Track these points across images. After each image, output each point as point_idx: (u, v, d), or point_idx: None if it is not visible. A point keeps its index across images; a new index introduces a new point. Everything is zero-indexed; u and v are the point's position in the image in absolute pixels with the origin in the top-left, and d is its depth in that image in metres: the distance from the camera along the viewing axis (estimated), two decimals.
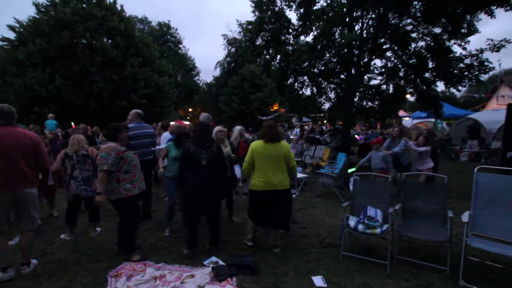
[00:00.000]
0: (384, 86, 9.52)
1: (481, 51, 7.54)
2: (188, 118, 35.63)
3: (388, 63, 9.17)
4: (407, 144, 5.42)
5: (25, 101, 13.30)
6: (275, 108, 22.84)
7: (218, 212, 3.42)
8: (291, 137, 14.27)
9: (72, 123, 11.24)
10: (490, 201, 2.79)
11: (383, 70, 9.29)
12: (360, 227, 2.96)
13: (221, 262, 3.03)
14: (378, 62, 9.60)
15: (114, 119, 9.33)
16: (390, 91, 9.42)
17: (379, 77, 9.52)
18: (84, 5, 15.32)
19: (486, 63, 7.59)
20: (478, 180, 2.87)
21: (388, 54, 9.02)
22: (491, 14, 7.12)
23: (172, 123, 7.64)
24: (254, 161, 3.16)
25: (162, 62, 19.72)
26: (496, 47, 7.29)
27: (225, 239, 3.64)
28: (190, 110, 36.01)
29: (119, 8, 16.82)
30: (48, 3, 15.15)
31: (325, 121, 23.25)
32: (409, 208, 3.20)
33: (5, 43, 15.02)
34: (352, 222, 3.07)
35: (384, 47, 8.86)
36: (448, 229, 2.85)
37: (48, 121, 9.47)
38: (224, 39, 32.01)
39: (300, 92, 10.05)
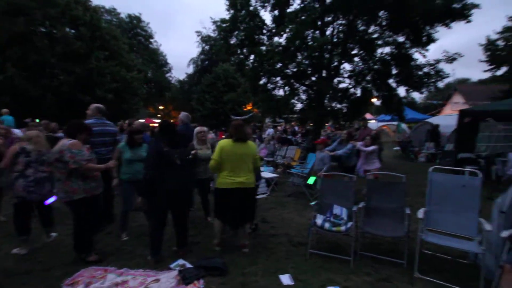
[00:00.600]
0: (352, 89, 9.99)
1: (438, 61, 8.27)
2: (158, 116, 34.36)
3: (356, 67, 9.63)
4: (353, 148, 5.43)
5: None
6: (249, 108, 22.90)
7: (187, 213, 3.35)
8: (264, 136, 14.39)
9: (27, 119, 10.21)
10: (442, 198, 3.03)
11: (351, 74, 9.73)
12: (326, 225, 3.05)
13: (188, 265, 2.94)
14: (347, 66, 10.08)
15: (76, 115, 8.69)
16: (358, 94, 9.91)
17: (348, 81, 9.98)
18: None
19: (441, 73, 8.32)
20: (432, 180, 3.11)
21: (356, 59, 9.48)
22: (447, 26, 7.81)
23: (141, 121, 7.29)
24: (222, 159, 3.14)
25: (131, 56, 18.83)
26: (450, 59, 8.04)
27: (195, 241, 3.55)
28: (161, 107, 34.73)
29: None
30: None
31: (293, 123, 23.79)
32: (371, 206, 3.36)
33: None
34: (319, 220, 3.16)
35: (352, 52, 9.30)
36: (406, 225, 3.05)
37: (4, 117, 8.50)
38: (198, 36, 31.47)
39: (273, 92, 10.18)
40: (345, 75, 9.93)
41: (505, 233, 2.36)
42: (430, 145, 11.21)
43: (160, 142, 3.07)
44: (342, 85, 9.94)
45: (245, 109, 23.40)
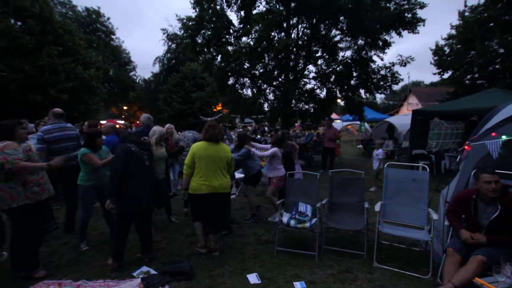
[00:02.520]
0: (318, 90, 10.39)
1: (393, 64, 8.94)
2: (123, 116, 32.57)
3: (321, 69, 10.02)
4: (249, 152, 4.43)
5: None
6: (218, 108, 22.67)
7: (151, 218, 3.23)
8: (233, 137, 14.36)
9: None
10: (396, 192, 3.28)
11: (316, 75, 10.11)
12: (292, 222, 3.13)
13: (153, 271, 2.83)
14: (312, 68, 10.46)
15: (26, 116, 7.88)
16: (323, 95, 10.32)
17: (313, 82, 10.35)
18: None
19: (396, 75, 8.99)
20: (388, 175, 3.35)
21: (320, 61, 9.87)
22: (399, 34, 8.49)
23: (103, 122, 6.83)
24: (195, 163, 3.03)
25: (89, 52, 17.58)
26: (404, 62, 8.75)
27: (159, 246, 3.42)
28: (124, 108, 32.95)
29: None
30: None
31: (266, 123, 24.11)
32: (334, 202, 3.53)
33: None
34: (285, 218, 3.23)
35: (317, 54, 9.66)
36: (365, 219, 3.24)
37: None
38: (164, 33, 30.41)
39: (241, 92, 10.20)
40: (311, 77, 10.30)
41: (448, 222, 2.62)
42: (389, 142, 12.04)
43: (126, 143, 2.93)
44: (308, 86, 10.27)
45: (214, 110, 23.10)
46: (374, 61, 9.25)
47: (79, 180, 3.30)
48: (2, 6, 12.43)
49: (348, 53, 9.51)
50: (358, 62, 9.05)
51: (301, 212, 3.19)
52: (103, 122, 13.29)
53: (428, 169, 3.26)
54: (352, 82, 9.44)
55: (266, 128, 19.65)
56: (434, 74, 14.79)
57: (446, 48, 13.90)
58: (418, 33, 8.43)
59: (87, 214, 3.35)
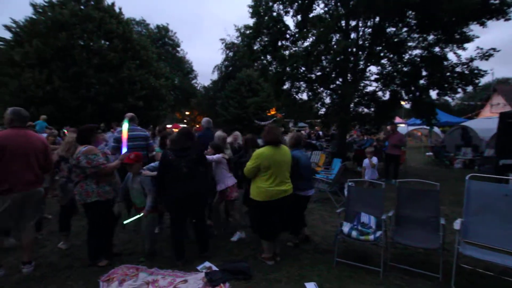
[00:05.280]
0: (380, 93, 9.65)
1: (471, 59, 7.72)
2: (185, 121, 35.55)
3: (384, 70, 9.30)
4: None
5: (20, 102, 13.18)
6: (272, 112, 22.94)
7: (204, 219, 3.45)
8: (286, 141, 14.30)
9: (65, 128, 11.07)
10: (481, 208, 2.82)
11: (378, 76, 9.42)
12: (354, 233, 2.97)
13: (214, 267, 3.01)
14: (374, 69, 9.78)
15: (110, 122, 9.25)
16: (386, 98, 9.55)
17: (375, 84, 9.66)
18: (82, 7, 15.33)
19: (476, 71, 7.75)
20: (470, 188, 2.90)
21: (384, 61, 9.16)
22: (483, 25, 7.28)
23: (168, 126, 7.64)
24: (259, 169, 2.95)
25: (160, 64, 19.76)
26: (485, 56, 7.47)
27: (219, 245, 3.61)
28: (187, 113, 35.95)
29: (117, 10, 16.87)
30: (45, 4, 15.12)
31: (317, 127, 23.39)
32: (402, 214, 3.21)
33: (1, 43, 14.92)
34: (346, 228, 3.08)
35: (380, 54, 9.00)
36: (440, 236, 2.87)
37: (38, 122, 9.29)
38: (222, 43, 32.24)
39: (296, 97, 10.13)
40: (372, 78, 9.65)
41: None
42: (467, 150, 10.47)
43: (167, 151, 3.16)
44: (369, 89, 9.65)
45: (268, 114, 23.46)
46: (448, 59, 8.15)
47: None
48: (97, 31, 14.92)
49: (417, 51, 8.61)
50: (429, 60, 8.10)
51: (364, 223, 3.00)
52: (169, 126, 14.82)
53: None
54: (422, 81, 8.50)
55: (320, 133, 19.10)
56: None
57: None
58: (510, 19, 7.03)
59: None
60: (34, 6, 15.01)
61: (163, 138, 4.08)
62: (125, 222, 3.29)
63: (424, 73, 8.40)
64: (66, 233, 3.63)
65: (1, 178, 2.70)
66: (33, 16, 14.76)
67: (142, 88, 16.38)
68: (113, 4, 16.72)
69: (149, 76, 17.12)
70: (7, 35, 14.91)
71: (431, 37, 8.13)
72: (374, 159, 5.54)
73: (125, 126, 3.68)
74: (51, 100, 13.70)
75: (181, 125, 22.56)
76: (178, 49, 33.92)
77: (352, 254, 3.34)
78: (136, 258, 3.26)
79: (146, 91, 16.56)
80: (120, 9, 17.06)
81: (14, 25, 14.81)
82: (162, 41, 32.40)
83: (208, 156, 3.54)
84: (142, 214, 3.17)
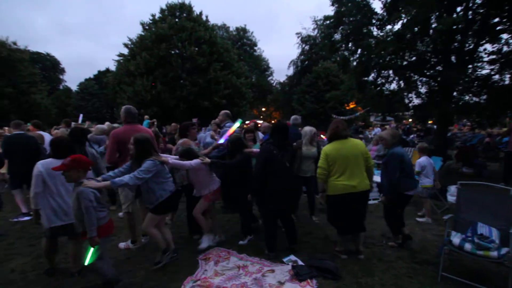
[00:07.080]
0: (496, 76, 7.74)
1: None
2: (261, 117, 36.86)
3: (504, 47, 7.41)
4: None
5: (134, 105, 16.26)
6: (351, 106, 21.42)
7: (292, 212, 3.55)
8: (370, 137, 13.13)
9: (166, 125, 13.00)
10: None
11: (495, 57, 7.56)
12: (468, 246, 2.50)
13: (300, 262, 3.03)
14: (488, 47, 7.87)
15: (198, 118, 10.38)
16: (506, 82, 7.60)
17: (489, 66, 7.79)
18: (176, 20, 17.65)
19: None
20: None
21: (505, 36, 7.28)
22: None
23: (247, 122, 8.05)
24: (329, 165, 2.95)
25: (240, 64, 21.00)
26: None
27: (302, 240, 3.61)
28: (263, 109, 37.16)
29: (204, 18, 18.71)
30: (150, 21, 18.09)
31: (409, 120, 20.41)
32: None
33: (121, 57, 18.64)
34: (456, 239, 2.62)
35: (497, 28, 7.20)
36: None
37: (144, 121, 11.09)
38: (298, 37, 31.74)
39: (384, 88, 9.13)
40: (485, 59, 7.81)
41: None
42: None
43: (270, 145, 3.19)
44: (481, 72, 7.88)
45: (347, 108, 22.02)
46: None
47: None
48: (188, 39, 16.96)
49: None
50: None
51: (482, 236, 2.48)
52: (247, 122, 15.67)
53: None
54: None
55: (408, 126, 16.81)
56: None
57: None
58: None
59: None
60: (142, 24, 18.14)
61: (244, 133, 4.07)
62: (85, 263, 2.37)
63: None
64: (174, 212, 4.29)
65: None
66: (142, 33, 17.87)
67: (225, 87, 17.82)
68: (201, 13, 18.62)
69: (232, 76, 18.43)
70: (125, 51, 18.57)
71: None
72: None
73: (237, 124, 4.00)
74: (156, 102, 16.37)
75: (259, 121, 23.48)
76: (255, 48, 35.26)
77: (462, 270, 2.83)
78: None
79: (229, 90, 17.93)
80: (206, 16, 18.88)
81: (129, 42, 18.28)
82: (241, 42, 34.23)
83: (185, 162, 3.10)
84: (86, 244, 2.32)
